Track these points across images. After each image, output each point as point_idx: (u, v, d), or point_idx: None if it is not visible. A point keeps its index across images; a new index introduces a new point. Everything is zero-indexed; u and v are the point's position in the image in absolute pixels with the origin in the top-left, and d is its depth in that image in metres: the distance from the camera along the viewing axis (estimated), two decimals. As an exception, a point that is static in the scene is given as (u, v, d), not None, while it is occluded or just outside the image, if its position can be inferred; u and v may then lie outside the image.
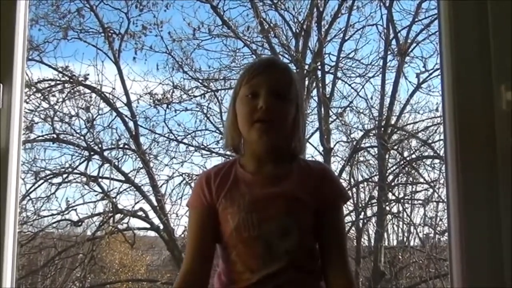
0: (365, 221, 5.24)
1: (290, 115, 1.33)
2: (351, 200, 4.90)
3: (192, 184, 4.77)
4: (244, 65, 5.01)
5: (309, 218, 1.30)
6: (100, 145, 5.01)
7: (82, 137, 4.98)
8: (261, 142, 1.32)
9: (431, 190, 5.05)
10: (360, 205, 5.18)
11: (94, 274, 5.39)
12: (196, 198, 1.36)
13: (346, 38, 5.17)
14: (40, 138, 4.97)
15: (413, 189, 5.39)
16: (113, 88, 5.00)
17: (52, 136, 4.97)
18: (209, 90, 5.18)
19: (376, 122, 5.18)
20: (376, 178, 5.24)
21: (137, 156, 5.03)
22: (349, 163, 5.09)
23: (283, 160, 1.35)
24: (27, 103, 4.77)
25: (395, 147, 5.25)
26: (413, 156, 5.27)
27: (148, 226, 5.14)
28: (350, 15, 5.17)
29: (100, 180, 4.95)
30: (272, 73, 1.34)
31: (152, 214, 5.04)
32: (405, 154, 5.32)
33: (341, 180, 4.77)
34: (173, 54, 5.13)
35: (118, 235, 5.23)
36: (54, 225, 5.04)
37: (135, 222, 5.16)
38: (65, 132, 5.04)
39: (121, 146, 5.05)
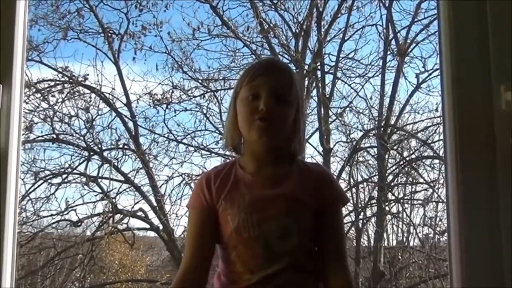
0: (364, 221, 5.24)
1: (290, 116, 1.33)
2: (351, 201, 4.91)
3: (192, 185, 4.78)
4: (244, 65, 5.02)
5: (309, 218, 1.31)
6: (99, 145, 5.01)
7: (81, 138, 4.99)
8: (261, 142, 1.32)
9: (430, 190, 5.06)
10: (360, 205, 5.18)
11: (93, 275, 5.39)
12: (196, 198, 1.37)
13: (346, 38, 5.17)
14: (39, 138, 4.98)
15: (413, 189, 5.40)
16: (113, 88, 5.01)
17: (52, 137, 4.97)
18: (208, 90, 5.18)
19: (376, 122, 5.18)
20: (375, 178, 5.24)
21: (136, 157, 5.04)
22: (348, 163, 5.09)
23: (283, 161, 1.35)
24: (27, 103, 4.77)
25: (395, 147, 5.25)
26: (413, 156, 5.28)
27: (147, 226, 5.15)
28: (349, 15, 5.18)
29: (99, 180, 4.95)
30: (273, 74, 1.34)
31: (151, 215, 5.05)
32: (405, 154, 5.33)
33: (340, 181, 4.80)
34: (173, 54, 5.14)
35: (118, 235, 5.23)
36: (53, 225, 5.04)
37: (135, 223, 5.17)
38: (64, 133, 5.04)
39: (120, 146, 5.05)
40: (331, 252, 1.32)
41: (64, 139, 5.02)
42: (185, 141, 5.10)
